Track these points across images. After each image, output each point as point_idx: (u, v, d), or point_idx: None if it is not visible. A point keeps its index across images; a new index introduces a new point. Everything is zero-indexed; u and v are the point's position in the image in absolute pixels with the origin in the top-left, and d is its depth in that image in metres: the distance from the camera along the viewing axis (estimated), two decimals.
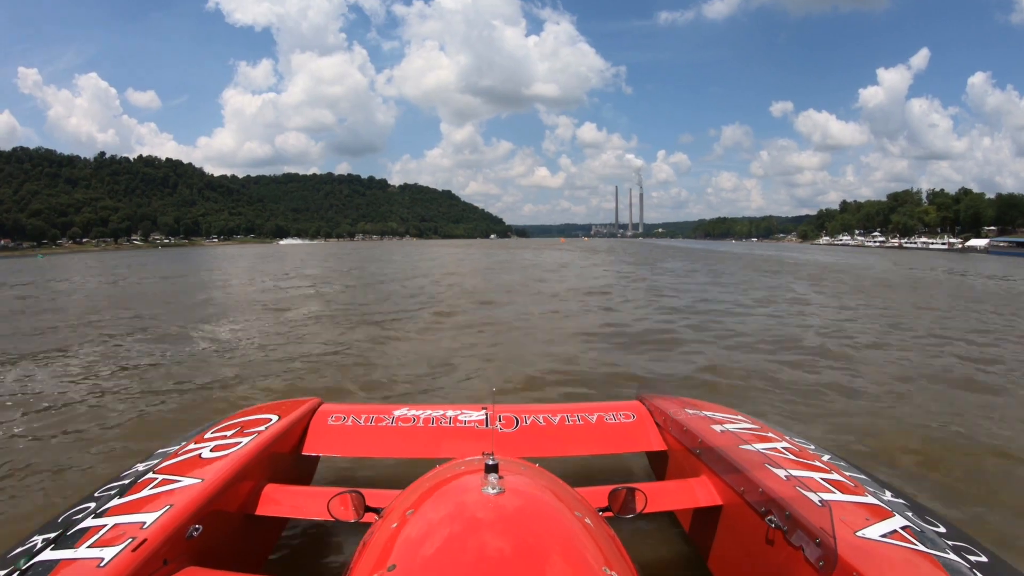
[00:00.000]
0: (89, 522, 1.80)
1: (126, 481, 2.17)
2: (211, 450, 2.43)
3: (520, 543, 1.25)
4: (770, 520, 1.89)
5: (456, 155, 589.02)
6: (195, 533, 1.83)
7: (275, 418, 2.82)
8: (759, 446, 2.38)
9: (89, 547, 1.65)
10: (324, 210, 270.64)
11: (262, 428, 2.67)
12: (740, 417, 2.91)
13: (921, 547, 1.64)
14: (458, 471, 1.68)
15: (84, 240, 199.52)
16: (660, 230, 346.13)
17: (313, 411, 3.04)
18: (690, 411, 2.89)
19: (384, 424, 2.93)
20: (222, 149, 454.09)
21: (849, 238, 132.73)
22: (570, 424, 2.95)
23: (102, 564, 1.55)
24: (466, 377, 6.54)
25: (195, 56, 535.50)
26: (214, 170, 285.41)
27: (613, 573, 1.23)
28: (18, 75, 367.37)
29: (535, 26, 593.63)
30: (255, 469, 2.36)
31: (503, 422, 2.91)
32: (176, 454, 2.43)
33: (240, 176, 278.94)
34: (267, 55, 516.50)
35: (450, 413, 3.01)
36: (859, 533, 1.69)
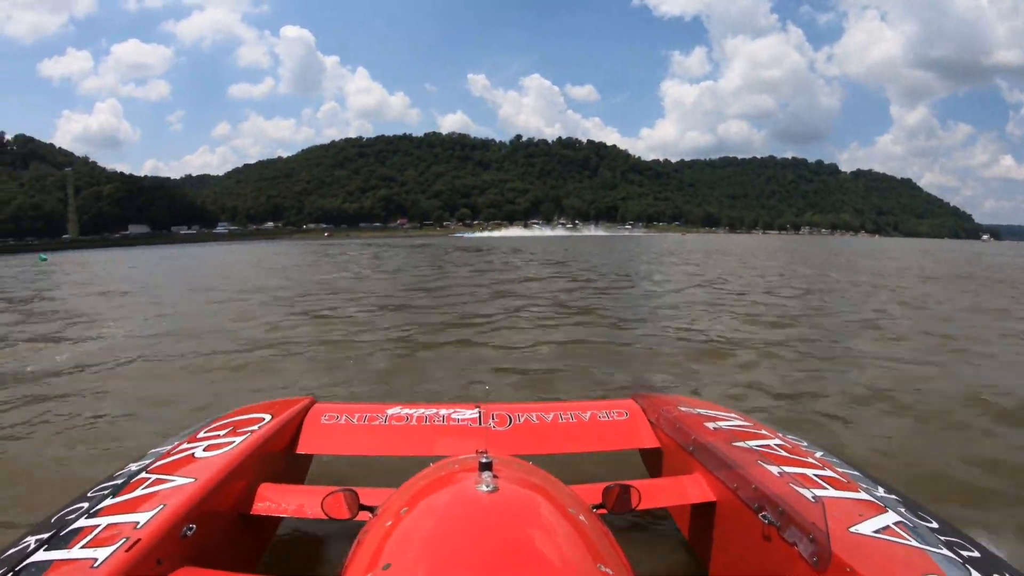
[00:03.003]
0: (82, 522, 1.79)
1: (119, 481, 2.15)
2: (204, 449, 2.42)
3: (514, 540, 1.24)
4: (764, 516, 1.90)
5: (909, 141, 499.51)
6: (189, 533, 1.83)
7: (268, 417, 2.81)
8: (752, 443, 2.40)
9: (82, 547, 1.64)
10: (765, 197, 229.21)
11: (255, 427, 2.66)
12: (733, 415, 2.91)
13: (914, 542, 1.65)
14: (452, 469, 1.68)
15: (474, 222, 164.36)
16: None
17: (306, 410, 3.02)
18: (683, 408, 2.91)
19: (377, 423, 2.93)
20: (664, 139, 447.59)
21: None
22: (563, 422, 2.95)
23: (96, 564, 1.54)
24: None
25: (627, 50, 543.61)
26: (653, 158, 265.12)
27: (608, 570, 1.23)
28: (468, 81, 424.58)
29: None
30: (248, 468, 2.35)
31: (496, 420, 2.90)
32: (169, 453, 2.42)
33: (674, 161, 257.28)
34: (699, 43, 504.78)
35: (443, 412, 3.00)
36: (852, 529, 1.70)
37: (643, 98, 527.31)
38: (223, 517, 2.13)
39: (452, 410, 3.00)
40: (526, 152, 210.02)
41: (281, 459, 2.73)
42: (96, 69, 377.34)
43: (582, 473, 3.03)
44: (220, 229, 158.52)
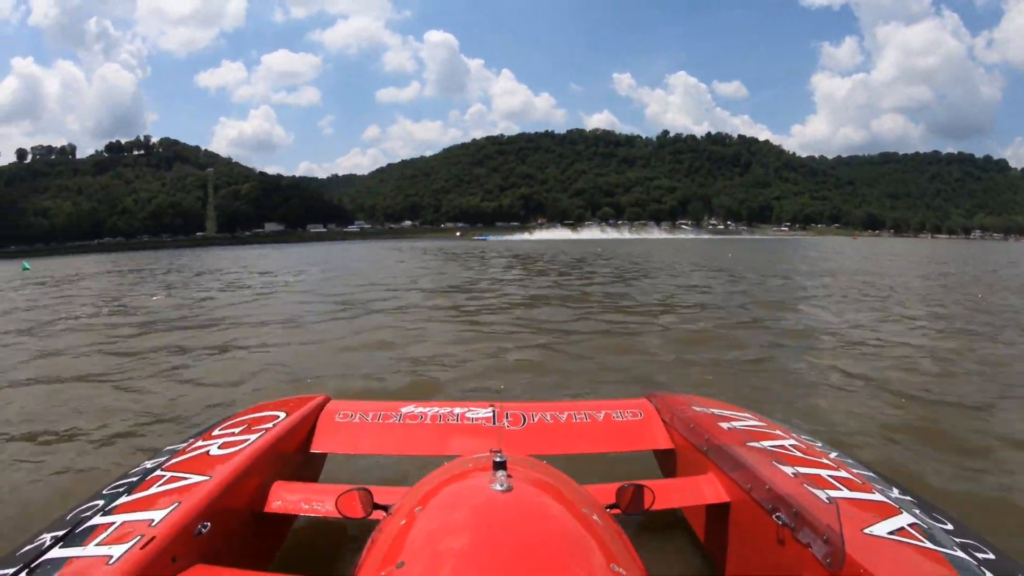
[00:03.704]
0: (97, 520, 1.81)
1: (134, 479, 2.17)
2: (219, 447, 2.43)
3: (528, 540, 1.25)
4: (777, 517, 1.88)
5: None
6: (203, 530, 1.84)
7: (282, 415, 2.82)
8: (766, 443, 2.37)
9: (97, 545, 1.66)
10: (928, 197, 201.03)
11: (269, 425, 2.67)
12: (747, 415, 2.88)
13: (928, 544, 1.63)
14: (466, 468, 1.68)
15: (618, 222, 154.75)
16: None
17: (321, 408, 3.03)
18: (698, 408, 2.88)
19: (392, 421, 2.93)
20: (815, 136, 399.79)
21: None
22: (577, 421, 2.93)
23: (111, 562, 1.56)
24: None
25: (774, 44, 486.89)
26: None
27: (621, 570, 1.24)
28: (613, 80, 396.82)
29: None
30: (263, 466, 2.36)
31: (510, 419, 2.89)
32: (184, 451, 2.44)
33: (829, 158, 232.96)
34: (849, 32, 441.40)
35: (457, 410, 2.99)
36: (866, 530, 1.68)
37: (793, 93, 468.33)
38: (237, 515, 2.14)
39: (466, 409, 3.00)
40: (672, 148, 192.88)
41: (295, 457, 2.73)
42: (249, 79, 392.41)
43: (596, 473, 3.00)
44: (353, 227, 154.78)
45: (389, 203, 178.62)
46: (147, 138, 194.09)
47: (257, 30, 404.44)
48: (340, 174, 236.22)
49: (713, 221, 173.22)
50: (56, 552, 1.63)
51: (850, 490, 1.94)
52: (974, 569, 1.53)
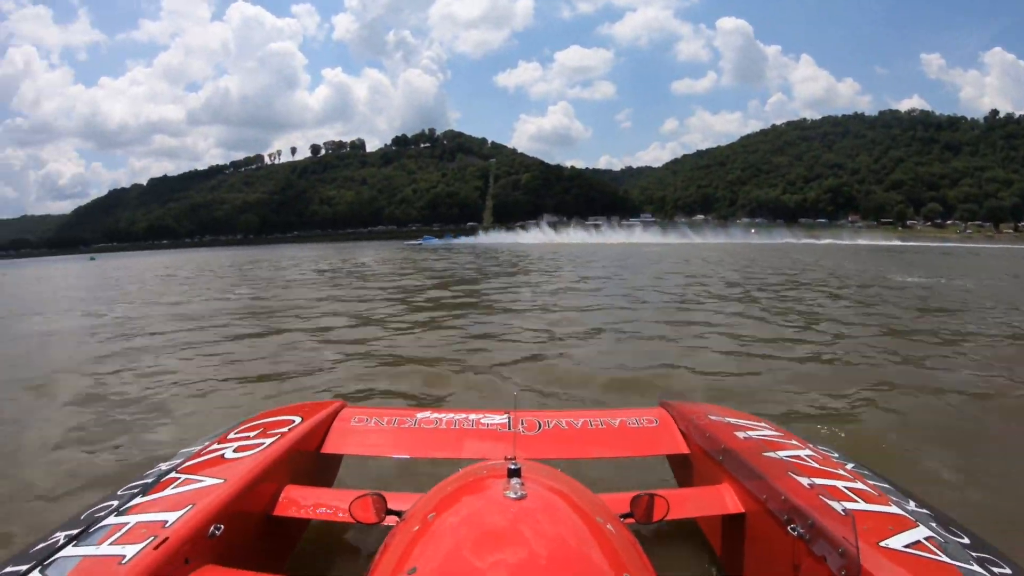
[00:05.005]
0: (111, 520, 1.83)
1: (149, 480, 2.19)
2: (234, 450, 2.44)
3: (541, 548, 1.25)
4: (792, 528, 1.87)
5: None
6: (216, 532, 1.85)
7: (298, 420, 2.81)
8: (782, 453, 2.35)
9: (111, 544, 1.68)
10: None
11: (285, 429, 2.67)
12: (763, 424, 2.85)
13: (945, 558, 1.62)
14: (480, 475, 1.69)
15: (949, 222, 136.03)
16: None
17: (336, 413, 3.03)
18: (713, 417, 2.85)
19: (407, 426, 2.92)
20: None
21: None
22: (592, 428, 2.90)
23: (123, 561, 1.58)
24: None
25: None
26: None
27: None
28: (921, 62, 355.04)
29: None
30: (277, 470, 2.37)
31: (525, 426, 2.88)
32: (199, 454, 2.45)
33: None
34: None
35: (472, 417, 2.99)
36: (882, 543, 1.68)
37: None
38: (251, 518, 2.15)
39: (482, 415, 2.99)
40: (1004, 132, 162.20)
41: (310, 462, 2.73)
42: (544, 75, 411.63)
43: (610, 483, 3.01)
44: (633, 221, 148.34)
45: (680, 194, 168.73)
46: (432, 131, 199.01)
47: (547, 28, 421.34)
48: (635, 167, 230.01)
49: None
50: (69, 551, 1.65)
51: (866, 502, 1.92)
52: None
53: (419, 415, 3.01)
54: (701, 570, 2.62)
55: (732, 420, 2.81)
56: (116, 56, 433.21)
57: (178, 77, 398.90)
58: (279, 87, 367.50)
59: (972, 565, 1.59)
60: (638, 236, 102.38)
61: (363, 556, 2.67)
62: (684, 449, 2.80)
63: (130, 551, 1.61)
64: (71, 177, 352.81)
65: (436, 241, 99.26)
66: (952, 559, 1.61)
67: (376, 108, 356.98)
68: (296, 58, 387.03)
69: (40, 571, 1.56)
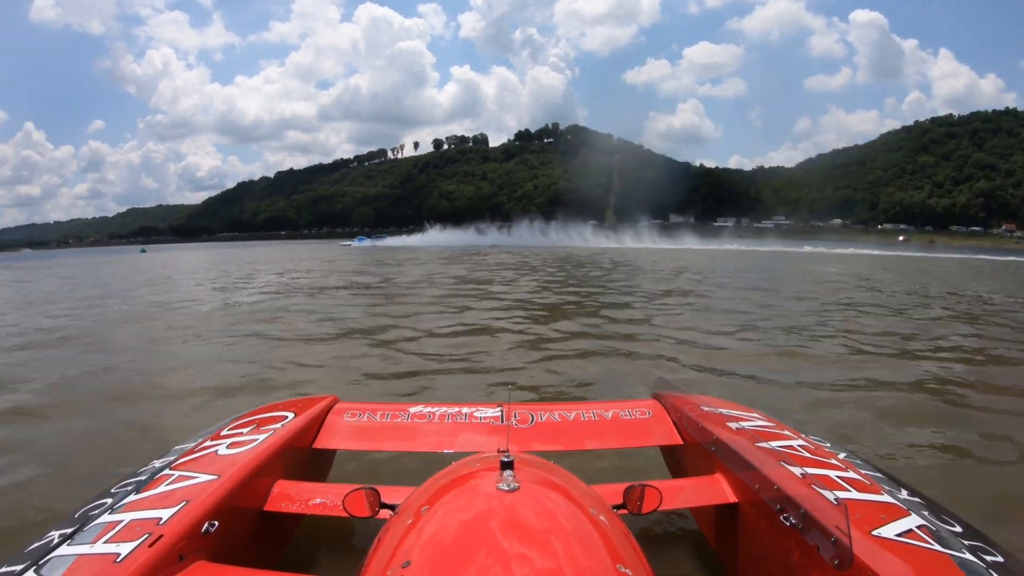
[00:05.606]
0: (105, 518, 1.83)
1: (142, 477, 2.19)
2: (227, 447, 2.44)
3: (535, 540, 1.25)
4: (785, 518, 1.88)
5: None
6: (211, 529, 1.85)
7: (291, 415, 2.82)
8: (775, 443, 2.36)
9: (105, 542, 1.67)
10: None
11: (278, 425, 2.68)
12: (756, 415, 2.88)
13: (937, 546, 1.63)
14: (473, 468, 1.68)
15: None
16: None
17: (329, 408, 3.05)
18: (706, 408, 2.86)
19: (400, 420, 2.95)
20: None
21: None
22: (585, 420, 2.93)
23: (118, 559, 1.57)
24: None
25: None
26: None
27: (627, 571, 1.24)
28: None
29: None
30: (271, 466, 2.38)
31: (518, 419, 2.89)
32: (192, 450, 2.45)
33: None
34: None
35: (465, 410, 3.01)
36: (875, 532, 1.69)
37: None
38: (245, 514, 2.16)
39: (475, 408, 3.01)
40: None
41: (303, 457, 2.74)
42: (674, 73, 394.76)
43: (604, 473, 3.03)
44: (767, 223, 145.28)
45: (815, 196, 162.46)
46: (555, 126, 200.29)
47: (674, 23, 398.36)
48: (767, 167, 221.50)
49: None
50: (64, 549, 1.64)
51: (859, 491, 1.94)
52: (982, 572, 1.53)
53: (412, 409, 3.03)
54: (694, 560, 2.64)
55: (725, 411, 2.82)
56: (249, 56, 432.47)
57: (309, 75, 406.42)
58: (408, 84, 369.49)
59: (964, 553, 1.60)
60: (726, 243, 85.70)
61: (357, 550, 2.56)
62: (677, 440, 2.82)
63: (124, 549, 1.60)
64: (209, 170, 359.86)
65: (366, 241, 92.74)
66: (944, 547, 1.62)
67: (504, 105, 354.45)
68: (424, 56, 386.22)
69: (35, 571, 1.54)
